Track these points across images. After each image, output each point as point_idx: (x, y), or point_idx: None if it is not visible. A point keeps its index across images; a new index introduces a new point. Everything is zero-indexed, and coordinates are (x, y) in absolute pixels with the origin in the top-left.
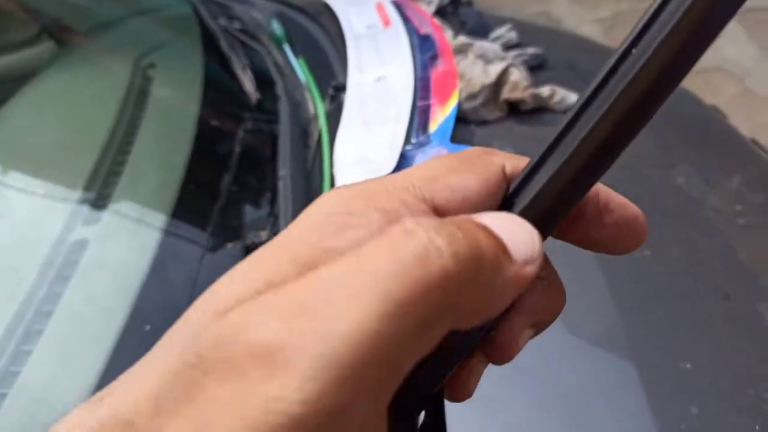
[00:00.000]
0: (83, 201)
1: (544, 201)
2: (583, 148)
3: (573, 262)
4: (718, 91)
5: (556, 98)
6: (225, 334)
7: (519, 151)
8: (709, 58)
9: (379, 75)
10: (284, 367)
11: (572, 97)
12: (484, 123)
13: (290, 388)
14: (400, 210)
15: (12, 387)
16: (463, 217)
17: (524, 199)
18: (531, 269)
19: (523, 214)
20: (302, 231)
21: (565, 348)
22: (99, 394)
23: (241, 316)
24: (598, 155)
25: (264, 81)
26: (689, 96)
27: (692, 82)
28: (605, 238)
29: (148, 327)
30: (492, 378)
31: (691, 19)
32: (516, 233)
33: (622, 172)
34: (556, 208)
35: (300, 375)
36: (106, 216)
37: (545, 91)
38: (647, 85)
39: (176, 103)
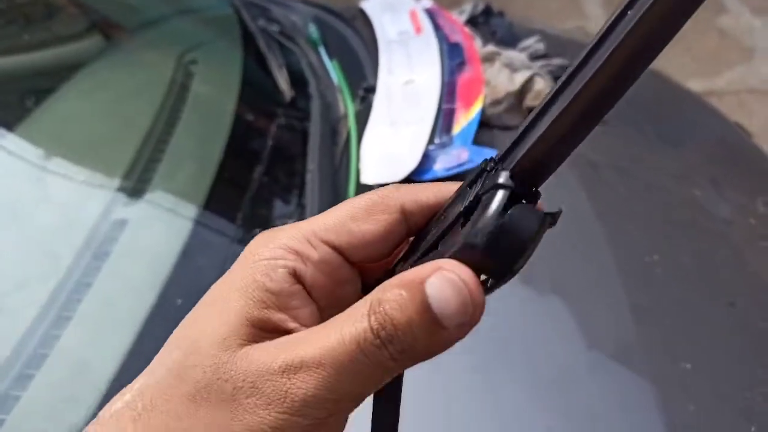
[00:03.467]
0: (124, 185)
1: (540, 151)
2: (577, 102)
3: (586, 256)
4: (752, 113)
5: None
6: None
7: None
8: (744, 77)
9: (407, 79)
10: None
11: None
12: (506, 128)
13: None
14: (306, 251)
15: (53, 349)
16: (410, 286)
17: (519, 153)
18: (465, 331)
19: (521, 163)
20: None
21: (581, 356)
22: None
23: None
24: (589, 109)
25: (298, 80)
26: (713, 112)
27: (725, 103)
28: None
29: (179, 301)
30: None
31: None
32: (450, 303)
33: (638, 181)
34: (551, 158)
35: None
36: (145, 199)
37: None
38: (640, 43)
39: (215, 98)
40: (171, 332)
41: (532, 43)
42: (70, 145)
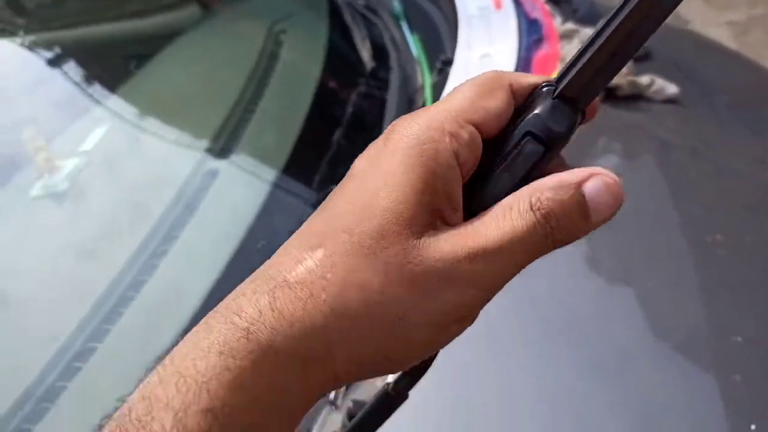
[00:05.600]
0: (214, 145)
1: (580, 80)
2: (608, 43)
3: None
4: None
5: (654, 87)
6: None
7: (611, 135)
8: None
9: (484, 53)
10: None
11: (671, 88)
12: None
13: None
14: (459, 132)
15: (139, 292)
16: (569, 189)
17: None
18: (604, 222)
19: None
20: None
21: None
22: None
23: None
24: (618, 49)
25: (380, 52)
26: None
27: None
28: None
29: (260, 244)
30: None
31: None
32: (603, 198)
33: (710, 164)
34: (599, 80)
35: None
36: (231, 159)
37: (644, 79)
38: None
39: (301, 66)
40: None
41: None
42: (167, 107)
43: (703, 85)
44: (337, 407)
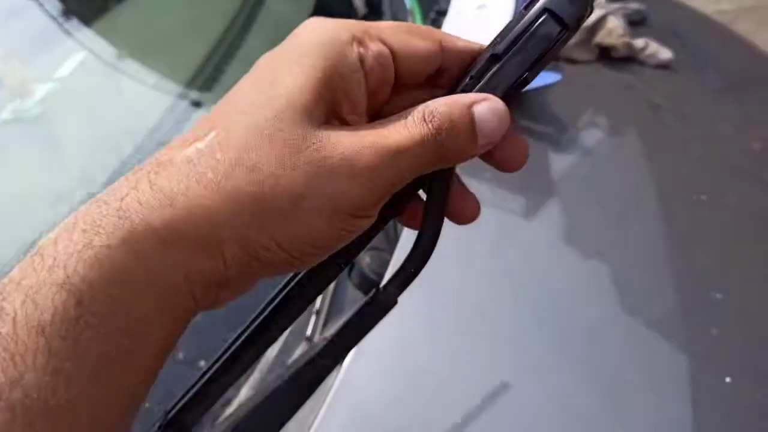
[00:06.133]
0: (189, 89)
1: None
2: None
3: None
4: None
5: (648, 51)
6: None
7: (603, 95)
8: None
9: (480, 3)
10: None
11: (665, 53)
12: (573, 62)
13: None
14: (369, 43)
15: None
16: (461, 108)
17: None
18: (488, 146)
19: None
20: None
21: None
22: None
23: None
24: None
25: None
26: None
27: None
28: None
29: None
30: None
31: None
32: (489, 121)
33: (696, 129)
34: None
35: None
36: (206, 107)
37: (639, 42)
38: None
39: (288, 9)
40: None
41: None
42: (143, 45)
43: (696, 56)
44: (313, 343)
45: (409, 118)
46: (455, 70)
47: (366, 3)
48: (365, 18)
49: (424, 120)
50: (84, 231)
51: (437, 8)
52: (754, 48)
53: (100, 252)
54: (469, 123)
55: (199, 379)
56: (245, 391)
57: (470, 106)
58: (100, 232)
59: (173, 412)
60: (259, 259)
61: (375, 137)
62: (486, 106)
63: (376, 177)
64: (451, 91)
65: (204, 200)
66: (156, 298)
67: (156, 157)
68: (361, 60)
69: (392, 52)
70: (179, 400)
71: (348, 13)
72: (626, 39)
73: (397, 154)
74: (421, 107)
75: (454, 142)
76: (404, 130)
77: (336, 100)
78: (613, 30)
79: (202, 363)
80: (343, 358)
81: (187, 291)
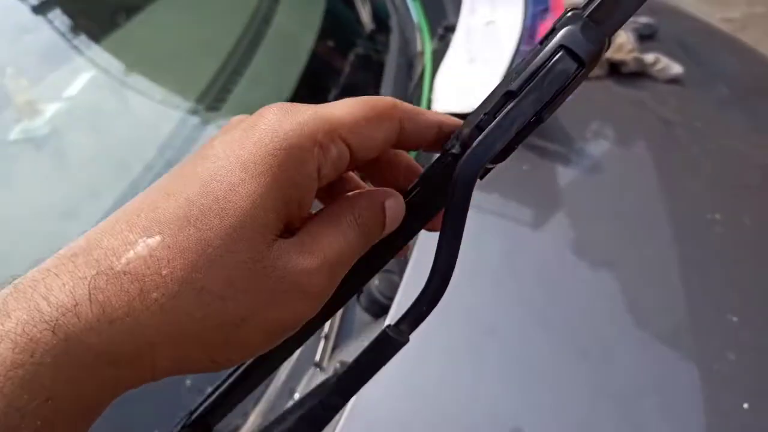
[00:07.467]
0: (199, 105)
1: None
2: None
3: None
4: None
5: (659, 66)
6: None
7: (613, 111)
8: None
9: (489, 19)
10: None
11: (676, 68)
12: None
13: None
14: (330, 147)
15: None
16: (378, 205)
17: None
18: (390, 231)
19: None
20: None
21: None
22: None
23: None
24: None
25: (380, 15)
26: None
27: None
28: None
29: None
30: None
31: None
32: (395, 214)
33: (711, 143)
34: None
35: None
36: (217, 123)
37: (649, 57)
38: None
39: (297, 25)
40: None
41: None
42: (154, 61)
43: (706, 69)
44: (322, 369)
45: (343, 224)
46: (419, 141)
47: (373, 19)
48: (373, 34)
49: (356, 223)
50: (14, 346)
51: (446, 24)
52: (764, 58)
53: (30, 373)
54: (382, 216)
55: (224, 382)
56: (253, 419)
57: (383, 203)
58: (33, 351)
59: (197, 412)
60: (186, 369)
61: (320, 254)
62: (394, 201)
63: (324, 295)
64: (443, 150)
65: (146, 320)
66: (77, 411)
67: (94, 257)
68: (319, 169)
69: (350, 149)
70: (203, 401)
71: (355, 27)
72: (636, 54)
73: (338, 266)
74: (348, 211)
75: (372, 236)
76: (342, 238)
77: (290, 212)
78: (623, 45)
79: (209, 389)
80: (352, 395)
81: (110, 398)
